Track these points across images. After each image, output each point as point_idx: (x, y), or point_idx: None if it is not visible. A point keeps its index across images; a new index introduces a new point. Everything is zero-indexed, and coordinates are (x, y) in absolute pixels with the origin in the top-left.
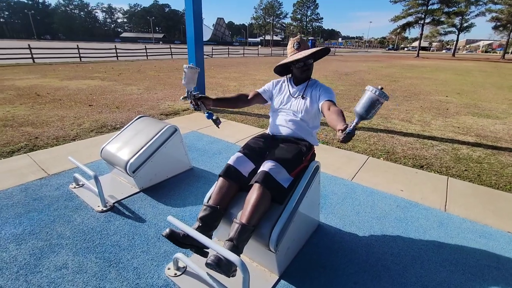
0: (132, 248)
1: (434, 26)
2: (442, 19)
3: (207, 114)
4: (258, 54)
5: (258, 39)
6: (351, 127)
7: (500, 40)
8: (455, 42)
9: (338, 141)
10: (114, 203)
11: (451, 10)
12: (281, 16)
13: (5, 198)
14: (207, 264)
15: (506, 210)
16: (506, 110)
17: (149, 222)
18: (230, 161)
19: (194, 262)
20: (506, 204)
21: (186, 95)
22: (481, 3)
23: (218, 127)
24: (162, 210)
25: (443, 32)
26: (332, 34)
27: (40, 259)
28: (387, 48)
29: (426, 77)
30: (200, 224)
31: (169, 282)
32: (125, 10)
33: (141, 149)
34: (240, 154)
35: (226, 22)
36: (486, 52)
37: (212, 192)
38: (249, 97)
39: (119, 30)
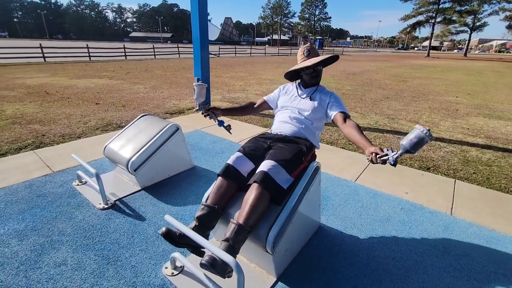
0: (131, 246)
1: (445, 25)
2: (454, 18)
3: (218, 122)
4: (265, 53)
5: (266, 39)
6: (394, 158)
7: None
8: (467, 42)
9: (368, 161)
10: (115, 200)
11: (463, 8)
12: (289, 16)
13: (10, 194)
14: (202, 265)
15: None
16: None
17: (149, 220)
18: (230, 161)
19: (191, 262)
20: None
21: (198, 108)
22: (494, 1)
23: (230, 133)
24: (163, 208)
25: (454, 32)
26: (341, 34)
27: (41, 255)
28: (396, 48)
29: (436, 77)
30: (197, 224)
31: (166, 282)
32: (134, 10)
33: (142, 147)
34: (240, 154)
35: (234, 22)
36: (499, 52)
37: (210, 191)
38: (256, 105)
39: (129, 29)
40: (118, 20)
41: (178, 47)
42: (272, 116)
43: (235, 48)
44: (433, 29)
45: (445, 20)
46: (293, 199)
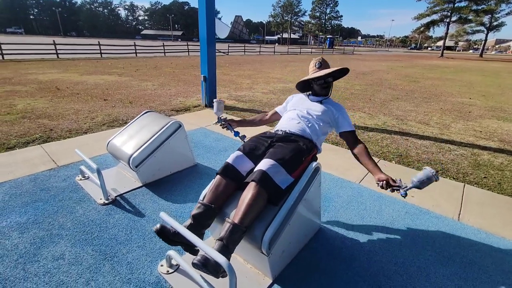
0: (128, 242)
1: (460, 24)
2: (470, 17)
3: (234, 133)
4: (274, 52)
5: (276, 37)
6: (405, 191)
7: None
8: (483, 42)
9: (378, 186)
10: (116, 196)
11: (479, 8)
12: (299, 14)
13: (15, 187)
14: (194, 264)
15: None
16: None
17: (148, 217)
18: (229, 160)
19: (186, 260)
20: None
21: (217, 121)
22: None
23: (244, 142)
24: (162, 205)
25: (470, 31)
26: (352, 33)
27: (40, 249)
28: (409, 48)
29: (449, 78)
30: (192, 222)
31: (160, 279)
32: (146, 8)
33: (144, 143)
34: (240, 153)
35: (244, 20)
36: None
37: (208, 189)
38: (267, 116)
39: (140, 27)
40: (130, 18)
41: (187, 45)
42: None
43: (244, 46)
44: (447, 29)
45: (461, 19)
46: (291, 200)
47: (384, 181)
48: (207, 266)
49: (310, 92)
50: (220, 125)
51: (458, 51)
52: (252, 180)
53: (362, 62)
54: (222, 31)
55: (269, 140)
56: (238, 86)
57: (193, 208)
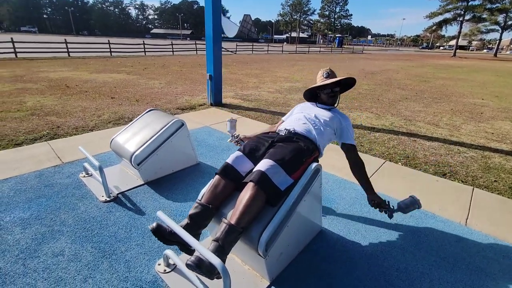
0: (127, 240)
1: (474, 23)
2: (484, 16)
3: None
4: (282, 51)
5: (284, 36)
6: (391, 213)
7: None
8: (497, 42)
9: (370, 204)
10: (118, 194)
11: (494, 6)
12: (308, 13)
13: (20, 183)
14: (187, 265)
15: None
16: None
17: (148, 215)
18: (229, 160)
19: (182, 260)
20: None
21: (231, 138)
22: None
23: None
24: (163, 204)
25: (484, 30)
26: (362, 32)
27: (41, 244)
28: (420, 47)
29: (461, 78)
30: (189, 222)
31: (157, 278)
32: (156, 7)
33: (147, 142)
34: (239, 153)
35: (253, 19)
36: None
37: (206, 189)
38: (276, 129)
39: (150, 26)
40: (141, 17)
41: (195, 44)
42: (282, 114)
43: (252, 45)
44: (461, 28)
45: (474, 18)
46: (290, 201)
47: (377, 202)
48: (201, 267)
49: (317, 102)
50: (234, 142)
51: (471, 50)
52: (251, 181)
53: (371, 61)
54: (231, 30)
55: (270, 140)
56: (244, 85)
57: None
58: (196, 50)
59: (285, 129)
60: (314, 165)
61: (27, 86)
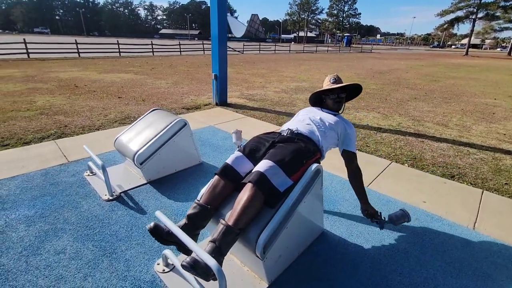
0: (128, 239)
1: (487, 21)
2: (498, 14)
3: None
4: (289, 51)
5: (292, 36)
6: (382, 224)
7: None
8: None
9: (363, 214)
10: (120, 193)
11: (508, 4)
12: (316, 12)
13: (26, 181)
14: (183, 266)
15: None
16: None
17: (149, 214)
18: (228, 160)
19: (181, 260)
20: None
21: (237, 150)
22: None
23: None
24: (165, 203)
25: (498, 29)
26: (371, 31)
27: (43, 242)
28: (431, 46)
29: (473, 78)
30: (187, 222)
31: (156, 278)
32: (164, 7)
33: (149, 141)
34: (239, 154)
35: (260, 19)
36: None
37: (205, 190)
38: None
39: (159, 27)
40: (149, 17)
41: (203, 44)
42: (287, 115)
43: (259, 45)
44: (473, 26)
45: (488, 16)
46: (289, 203)
47: (370, 212)
48: (196, 268)
49: (322, 108)
50: None
51: (484, 49)
52: (249, 182)
53: (380, 60)
54: (238, 29)
55: (271, 140)
56: (250, 84)
57: None
58: (203, 50)
59: (288, 128)
60: (314, 166)
61: (37, 86)
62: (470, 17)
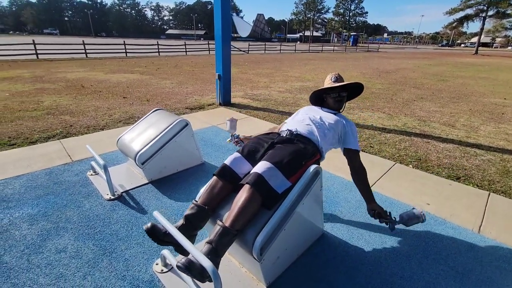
0: (128, 239)
1: (498, 19)
2: (509, 11)
3: None
4: (295, 50)
5: (298, 35)
6: (393, 225)
7: None
8: None
9: (370, 214)
10: (122, 192)
11: None
12: (322, 11)
13: (31, 180)
14: (178, 267)
15: None
16: None
17: (149, 214)
18: (227, 161)
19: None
20: None
21: (230, 138)
22: None
23: None
24: (165, 203)
25: (509, 26)
26: (378, 30)
27: (45, 241)
28: (440, 44)
29: (483, 77)
30: (184, 223)
31: (154, 278)
32: (171, 8)
33: (151, 141)
34: (238, 155)
35: (266, 18)
36: None
37: (203, 190)
38: (279, 129)
39: (165, 27)
40: (156, 18)
41: (208, 44)
42: (292, 114)
43: (265, 44)
44: (483, 24)
45: (498, 13)
46: (286, 204)
47: (377, 212)
48: (191, 269)
49: (323, 106)
50: (233, 142)
51: (495, 48)
52: (247, 183)
53: (386, 60)
54: (244, 29)
55: (270, 141)
56: (254, 84)
57: None
58: (209, 50)
59: (287, 129)
60: (313, 167)
61: (45, 86)
62: (480, 15)
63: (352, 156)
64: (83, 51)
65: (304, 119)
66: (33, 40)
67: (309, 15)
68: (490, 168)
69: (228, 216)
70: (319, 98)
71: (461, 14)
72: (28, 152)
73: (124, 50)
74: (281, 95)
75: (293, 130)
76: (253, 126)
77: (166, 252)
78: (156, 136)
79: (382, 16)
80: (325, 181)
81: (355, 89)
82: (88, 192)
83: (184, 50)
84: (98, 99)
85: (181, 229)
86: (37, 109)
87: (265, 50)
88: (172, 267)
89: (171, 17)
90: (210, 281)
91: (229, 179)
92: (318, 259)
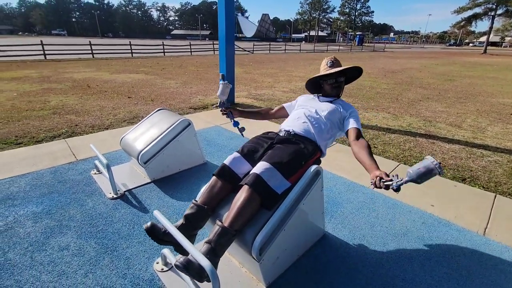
0: (129, 237)
1: (507, 18)
2: None
3: (233, 122)
4: (300, 50)
5: (303, 35)
6: (397, 184)
7: None
8: None
9: (371, 184)
10: (125, 191)
11: None
12: (328, 11)
13: (36, 178)
14: (176, 266)
15: None
16: None
17: (151, 213)
18: (226, 161)
19: None
20: None
21: (218, 104)
22: None
23: (243, 136)
24: (167, 202)
25: None
26: (384, 29)
27: (49, 238)
28: (447, 44)
29: (491, 77)
30: (184, 222)
31: (154, 277)
32: (176, 8)
33: (154, 140)
34: (237, 155)
35: (271, 18)
36: None
37: (203, 190)
38: (273, 111)
39: (171, 27)
40: (162, 18)
41: (213, 44)
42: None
43: (270, 44)
44: (492, 23)
45: (508, 12)
46: (286, 205)
47: (377, 177)
48: (189, 269)
49: (320, 94)
50: (221, 110)
51: (504, 47)
52: (246, 184)
53: (392, 59)
54: (249, 29)
55: (269, 141)
56: (258, 84)
57: None
58: (213, 50)
59: (284, 130)
60: (313, 167)
61: (52, 86)
62: (489, 13)
63: (352, 133)
64: (90, 51)
65: (300, 116)
66: (41, 41)
67: (314, 15)
68: (496, 170)
69: (227, 216)
70: (316, 85)
71: (469, 13)
72: (34, 151)
73: (130, 51)
74: (285, 95)
75: (290, 131)
76: (256, 126)
77: (166, 251)
78: (159, 135)
79: (388, 15)
80: (327, 181)
81: (353, 72)
82: (91, 191)
83: (189, 50)
84: (103, 99)
85: (180, 228)
86: (43, 109)
87: (270, 50)
88: (172, 266)
89: (176, 18)
90: (209, 281)
91: (229, 179)
92: (319, 260)
